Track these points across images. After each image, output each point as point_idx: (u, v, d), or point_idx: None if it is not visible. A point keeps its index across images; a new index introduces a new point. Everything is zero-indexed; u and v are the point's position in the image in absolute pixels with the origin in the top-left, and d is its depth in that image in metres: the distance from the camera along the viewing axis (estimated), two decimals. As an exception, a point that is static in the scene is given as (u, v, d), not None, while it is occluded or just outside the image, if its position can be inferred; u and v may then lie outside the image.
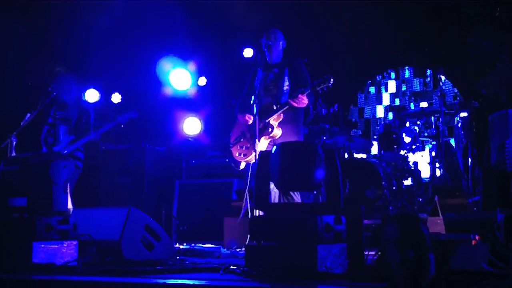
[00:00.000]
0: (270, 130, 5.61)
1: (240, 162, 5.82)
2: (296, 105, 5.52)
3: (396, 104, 9.69)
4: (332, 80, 5.32)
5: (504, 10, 7.72)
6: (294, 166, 4.22)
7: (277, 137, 5.62)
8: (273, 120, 5.62)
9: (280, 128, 5.63)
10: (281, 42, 5.89)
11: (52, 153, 6.35)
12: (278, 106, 5.62)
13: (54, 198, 4.61)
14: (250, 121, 5.67)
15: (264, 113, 5.62)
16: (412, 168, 7.42)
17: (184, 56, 9.11)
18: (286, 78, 5.77)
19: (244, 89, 6.02)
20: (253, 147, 5.47)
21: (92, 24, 8.62)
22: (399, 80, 9.86)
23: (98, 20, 8.57)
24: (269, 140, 5.64)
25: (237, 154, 5.83)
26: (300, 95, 5.46)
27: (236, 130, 5.93)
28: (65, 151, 6.44)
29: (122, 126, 6.66)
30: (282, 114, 5.62)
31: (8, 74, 8.66)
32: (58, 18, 8.74)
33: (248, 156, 5.69)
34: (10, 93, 8.48)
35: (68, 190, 4.80)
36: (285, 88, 5.73)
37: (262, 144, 5.56)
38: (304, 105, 5.57)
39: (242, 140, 5.81)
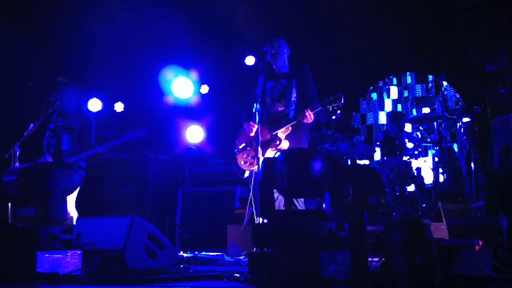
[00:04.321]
0: (278, 142, 5.64)
1: (245, 170, 5.82)
2: (303, 121, 5.56)
3: (398, 110, 9.69)
4: (343, 99, 5.37)
5: (504, 14, 7.74)
6: (300, 173, 4.23)
7: (284, 149, 5.62)
8: (281, 133, 5.64)
9: (287, 141, 5.65)
10: (285, 50, 5.91)
11: (52, 162, 6.36)
12: (287, 121, 5.64)
13: (51, 207, 4.61)
14: (253, 132, 5.68)
15: (273, 125, 5.65)
16: (415, 173, 7.40)
17: (186, 64, 9.15)
18: (294, 89, 5.79)
19: (250, 97, 6.02)
20: (257, 156, 5.48)
21: (95, 34, 8.66)
22: (401, 86, 9.86)
23: (101, 30, 8.60)
24: (275, 152, 5.65)
25: (242, 162, 5.83)
26: (307, 112, 5.49)
27: (242, 138, 5.93)
28: (69, 161, 6.45)
29: (130, 142, 6.68)
30: (290, 127, 5.64)
31: (11, 84, 8.70)
32: (61, 28, 8.78)
33: (253, 166, 5.69)
34: (13, 104, 8.51)
35: (67, 200, 4.80)
36: (292, 99, 5.75)
37: (268, 155, 5.56)
38: (311, 121, 5.59)
39: (248, 148, 5.81)
